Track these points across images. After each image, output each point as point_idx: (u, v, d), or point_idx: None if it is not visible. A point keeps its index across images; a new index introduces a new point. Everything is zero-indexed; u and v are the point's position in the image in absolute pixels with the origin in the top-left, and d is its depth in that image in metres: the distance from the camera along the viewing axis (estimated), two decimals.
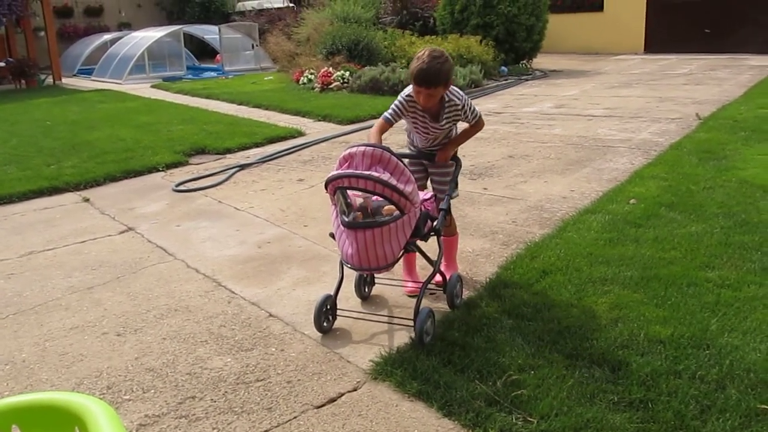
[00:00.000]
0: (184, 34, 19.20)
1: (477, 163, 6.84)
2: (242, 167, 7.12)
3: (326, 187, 3.05)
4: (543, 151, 7.27)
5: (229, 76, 17.18)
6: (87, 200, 6.09)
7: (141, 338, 3.41)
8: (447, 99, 3.43)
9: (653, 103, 10.27)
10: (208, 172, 6.90)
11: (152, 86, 15.64)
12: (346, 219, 3.06)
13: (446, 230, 3.83)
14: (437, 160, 3.61)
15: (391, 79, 11.87)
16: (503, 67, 14.62)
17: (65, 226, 5.35)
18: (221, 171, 6.95)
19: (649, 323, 3.21)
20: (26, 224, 5.44)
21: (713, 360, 2.88)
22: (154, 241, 4.87)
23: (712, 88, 11.76)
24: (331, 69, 12.98)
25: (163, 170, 7.12)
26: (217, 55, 19.58)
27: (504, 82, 13.78)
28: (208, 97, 12.94)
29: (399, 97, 3.50)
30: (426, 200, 3.42)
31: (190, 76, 17.73)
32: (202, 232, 5.03)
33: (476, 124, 3.63)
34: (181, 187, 6.36)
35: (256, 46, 19.24)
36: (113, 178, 6.77)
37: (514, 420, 2.54)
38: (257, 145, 8.22)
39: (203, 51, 21.49)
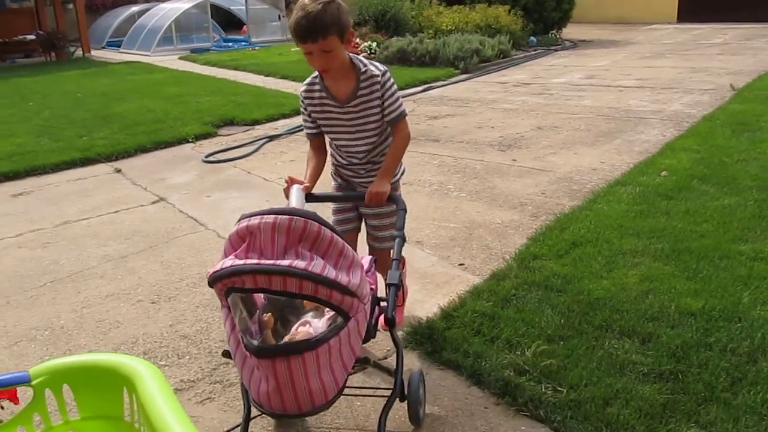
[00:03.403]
0: (210, 5, 19.16)
1: (505, 135, 6.79)
2: (271, 138, 7.15)
3: (211, 285, 1.82)
4: (572, 123, 7.19)
5: (256, 48, 17.16)
6: (119, 171, 6.18)
7: (175, 306, 3.48)
8: (361, 68, 2.57)
9: (686, 74, 10.07)
10: (236, 143, 6.95)
11: (180, 58, 15.69)
12: (254, 343, 1.85)
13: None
14: (367, 200, 2.59)
15: (419, 50, 11.78)
16: (532, 38, 14.42)
17: (98, 196, 5.43)
18: (250, 142, 6.99)
19: (680, 296, 3.19)
20: (61, 195, 5.54)
21: (745, 333, 2.86)
22: (185, 211, 4.93)
23: (747, 58, 11.49)
24: (358, 40, 12.90)
25: (192, 141, 7.18)
26: (244, 27, 19.54)
27: (533, 52, 13.60)
28: (235, 68, 12.96)
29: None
30: (368, 271, 2.39)
31: (217, 48, 17.74)
32: (233, 203, 5.09)
33: (400, 127, 2.65)
34: (211, 158, 6.42)
35: (283, 16, 19.15)
36: (144, 149, 6.86)
37: (543, 389, 2.56)
38: (285, 116, 8.25)
39: (230, 22, 21.44)
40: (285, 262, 1.72)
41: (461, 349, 2.85)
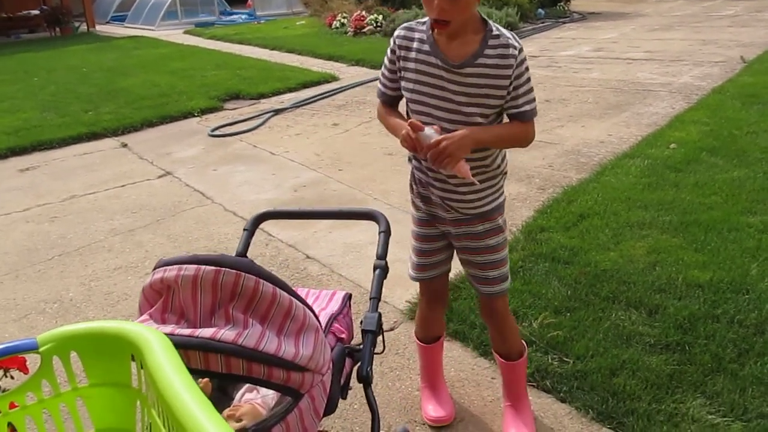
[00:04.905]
0: None
1: None
2: (277, 112, 7.12)
3: None
4: (580, 96, 7.13)
5: (261, 21, 17.05)
6: (125, 145, 6.18)
7: None
8: (493, 30, 1.83)
9: (696, 46, 9.95)
10: (242, 117, 6.93)
11: (185, 32, 15.61)
12: None
13: (505, 343, 2.24)
14: (432, 144, 1.77)
15: None
16: (540, 10, 14.25)
17: (105, 170, 5.44)
18: (256, 116, 6.97)
19: (688, 267, 3.18)
20: (67, 169, 5.54)
21: (752, 304, 2.85)
22: (191, 185, 4.93)
23: (758, 30, 11.35)
24: (364, 13, 12.79)
25: (198, 115, 7.16)
26: (249, 0, 19.39)
27: (541, 25, 13.46)
28: (240, 42, 12.89)
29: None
30: (336, 316, 1.88)
31: (222, 22, 17.63)
32: (239, 176, 5.09)
33: (529, 124, 1.92)
34: (217, 132, 6.40)
35: None
36: (150, 124, 6.84)
37: (549, 360, 2.57)
38: (291, 90, 8.21)
39: None
40: (208, 332, 1.29)
41: (468, 320, 2.85)
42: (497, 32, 1.83)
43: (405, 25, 1.96)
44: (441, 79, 1.85)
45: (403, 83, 1.95)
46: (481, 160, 1.94)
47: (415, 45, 1.90)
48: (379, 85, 2.05)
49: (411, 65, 1.90)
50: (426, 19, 1.90)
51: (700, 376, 2.43)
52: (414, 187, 2.12)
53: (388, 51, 1.97)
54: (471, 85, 1.83)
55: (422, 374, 2.44)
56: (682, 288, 3.01)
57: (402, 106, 2.04)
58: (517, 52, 1.82)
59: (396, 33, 1.95)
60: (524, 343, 2.29)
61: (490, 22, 1.86)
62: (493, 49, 1.82)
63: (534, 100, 1.91)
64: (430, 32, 1.87)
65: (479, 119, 1.86)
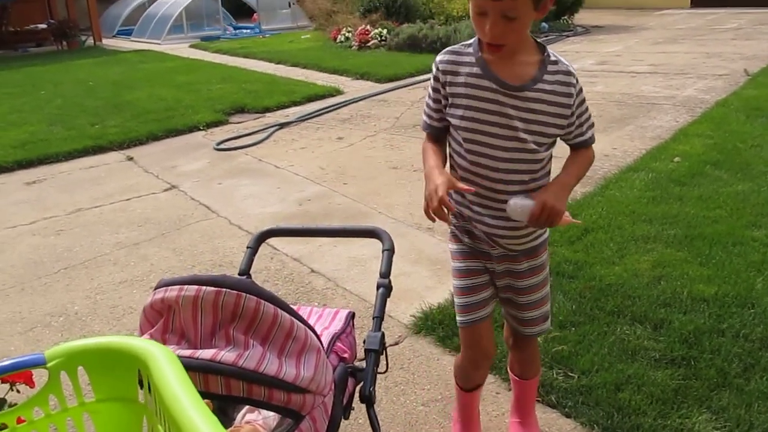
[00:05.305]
0: None
1: None
2: (282, 126, 7.15)
3: None
4: None
5: (266, 35, 17.13)
6: (131, 159, 6.21)
7: None
8: (551, 55, 1.79)
9: (699, 59, 9.97)
10: (248, 131, 6.95)
11: (190, 46, 15.69)
12: None
13: (524, 368, 2.21)
14: (534, 214, 1.73)
15: (429, 36, 11.73)
16: (544, 24, 14.29)
17: (111, 184, 5.46)
18: (261, 129, 7.00)
19: (693, 282, 3.18)
20: (73, 182, 5.57)
21: (758, 319, 2.85)
22: (197, 199, 4.95)
23: (762, 43, 11.36)
24: (368, 27, 12.86)
25: (203, 129, 7.20)
26: (254, 14, 19.51)
27: (544, 38, 13.50)
28: (246, 56, 12.95)
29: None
30: (339, 335, 1.88)
31: (227, 36, 17.73)
32: (244, 190, 5.10)
33: (590, 148, 1.94)
34: (222, 146, 6.43)
35: (293, 4, 19.08)
36: (155, 137, 6.87)
37: (554, 375, 2.56)
38: (296, 103, 8.24)
39: (240, 10, 21.39)
40: (208, 353, 1.31)
41: None
42: (555, 58, 1.79)
43: (448, 49, 1.86)
44: (497, 103, 1.75)
45: (450, 110, 1.82)
46: (536, 189, 1.83)
47: (462, 69, 1.79)
48: (424, 117, 1.92)
49: (460, 90, 1.79)
50: (472, 40, 1.83)
51: (706, 391, 2.42)
52: (459, 229, 1.98)
53: (431, 79, 1.86)
54: (528, 110, 1.75)
55: (457, 408, 2.31)
56: (687, 302, 3.00)
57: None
58: (575, 81, 1.80)
59: (438, 58, 1.85)
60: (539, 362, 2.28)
61: (546, 47, 1.81)
62: (552, 75, 1.77)
63: (593, 124, 1.92)
64: (479, 54, 1.78)
65: (533, 146, 1.78)
